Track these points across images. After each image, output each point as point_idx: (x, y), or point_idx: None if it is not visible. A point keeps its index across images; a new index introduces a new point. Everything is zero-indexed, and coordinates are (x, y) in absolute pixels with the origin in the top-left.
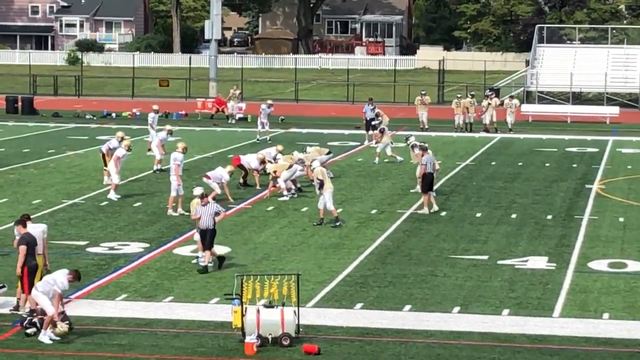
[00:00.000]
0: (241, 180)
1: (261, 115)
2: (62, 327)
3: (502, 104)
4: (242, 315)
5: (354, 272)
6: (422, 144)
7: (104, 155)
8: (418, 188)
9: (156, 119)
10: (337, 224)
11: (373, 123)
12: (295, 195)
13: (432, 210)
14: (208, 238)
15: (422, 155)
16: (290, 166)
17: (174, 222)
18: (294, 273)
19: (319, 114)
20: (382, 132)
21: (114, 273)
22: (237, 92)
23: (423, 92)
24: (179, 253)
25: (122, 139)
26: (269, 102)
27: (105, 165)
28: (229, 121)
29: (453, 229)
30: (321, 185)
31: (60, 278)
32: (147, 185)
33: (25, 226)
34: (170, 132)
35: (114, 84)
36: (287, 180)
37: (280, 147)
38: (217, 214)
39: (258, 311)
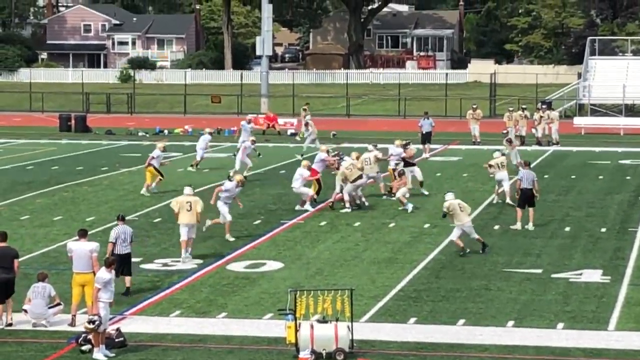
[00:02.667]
0: (315, 196)
1: (242, 133)
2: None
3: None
4: (296, 331)
5: (407, 286)
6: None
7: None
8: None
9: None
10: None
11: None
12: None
13: (526, 227)
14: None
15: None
16: (359, 177)
17: (226, 238)
18: (347, 288)
19: (370, 128)
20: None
21: (167, 289)
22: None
23: (474, 106)
24: (232, 269)
25: (164, 149)
26: (249, 117)
27: (162, 175)
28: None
29: (507, 243)
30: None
31: (98, 274)
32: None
33: None
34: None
35: (166, 101)
36: (352, 193)
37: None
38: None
39: (312, 326)
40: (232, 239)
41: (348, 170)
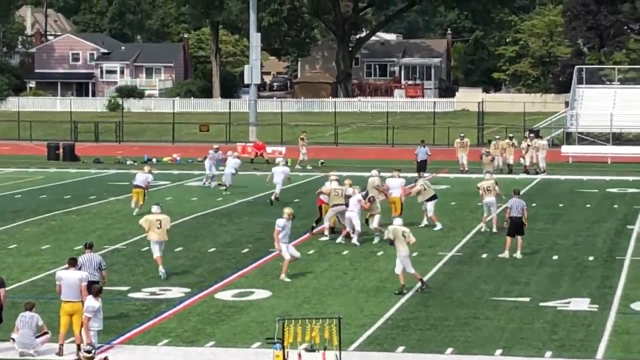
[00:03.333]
0: (314, 224)
1: (211, 160)
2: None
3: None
4: None
5: (396, 315)
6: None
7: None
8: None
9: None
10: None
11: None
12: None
13: (514, 255)
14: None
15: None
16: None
17: (215, 266)
18: (335, 317)
19: (358, 157)
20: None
21: (155, 318)
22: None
23: (462, 135)
24: (220, 297)
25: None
26: (215, 146)
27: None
28: (303, 167)
29: (494, 271)
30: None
31: (87, 303)
32: (187, 230)
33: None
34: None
35: (154, 129)
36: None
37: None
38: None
39: (299, 355)
40: (287, 280)
41: (331, 193)
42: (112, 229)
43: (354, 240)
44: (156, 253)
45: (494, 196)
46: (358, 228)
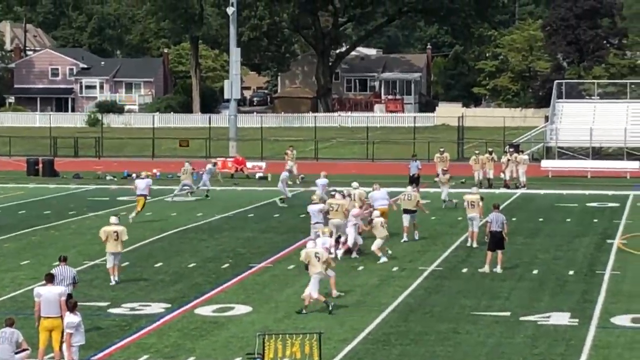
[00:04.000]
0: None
1: (208, 175)
2: None
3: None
4: None
5: (376, 330)
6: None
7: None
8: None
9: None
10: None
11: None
12: None
13: (494, 270)
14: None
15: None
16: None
17: (195, 282)
18: (315, 332)
19: (339, 172)
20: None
21: (135, 334)
22: (294, 152)
23: (442, 149)
24: (200, 313)
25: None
26: (213, 160)
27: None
28: (296, 181)
29: (475, 286)
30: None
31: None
32: (168, 245)
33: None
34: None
35: (134, 144)
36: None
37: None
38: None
39: None
40: (336, 294)
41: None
42: (91, 244)
43: (353, 254)
44: (110, 264)
45: (477, 211)
46: (348, 241)
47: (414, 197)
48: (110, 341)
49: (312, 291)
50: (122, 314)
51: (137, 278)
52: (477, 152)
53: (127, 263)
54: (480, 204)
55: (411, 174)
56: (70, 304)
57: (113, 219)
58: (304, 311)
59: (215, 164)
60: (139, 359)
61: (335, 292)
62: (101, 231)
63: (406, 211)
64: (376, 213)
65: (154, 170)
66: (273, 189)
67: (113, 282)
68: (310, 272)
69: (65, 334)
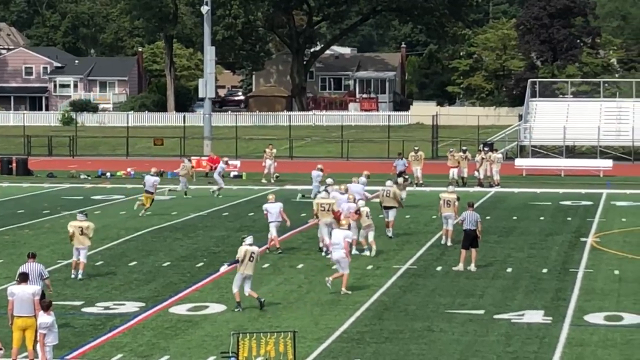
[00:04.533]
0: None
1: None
2: None
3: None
4: None
5: (351, 328)
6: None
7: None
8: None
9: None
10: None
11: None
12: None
13: (468, 268)
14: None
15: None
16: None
17: (169, 280)
18: (290, 330)
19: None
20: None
21: (109, 333)
22: (274, 150)
23: (416, 148)
24: (174, 312)
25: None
26: (225, 159)
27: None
28: (268, 181)
29: (449, 284)
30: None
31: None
32: (142, 244)
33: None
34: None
35: (108, 143)
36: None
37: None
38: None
39: None
40: (347, 292)
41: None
42: (65, 243)
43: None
44: (74, 257)
45: (452, 210)
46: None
47: (392, 193)
48: (84, 340)
49: (234, 287)
50: (96, 313)
51: (112, 277)
52: (451, 150)
53: (101, 262)
54: (457, 203)
55: (398, 172)
56: (45, 304)
57: (80, 216)
58: (238, 308)
59: (227, 162)
60: (113, 358)
61: (343, 290)
62: (69, 225)
63: (386, 207)
64: (362, 202)
65: (128, 169)
66: (248, 188)
67: (73, 276)
68: (239, 270)
69: (38, 334)
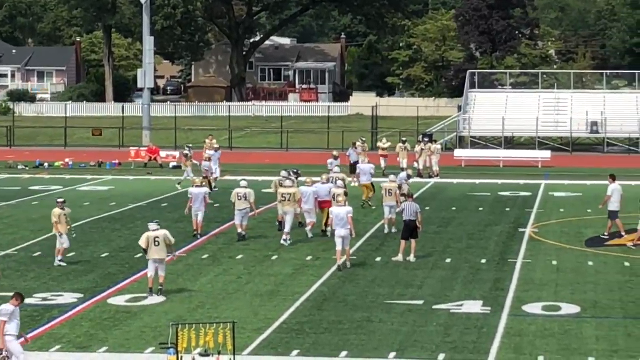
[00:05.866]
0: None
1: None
2: None
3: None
4: None
5: (290, 319)
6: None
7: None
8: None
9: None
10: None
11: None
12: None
13: (408, 259)
14: None
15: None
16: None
17: (108, 271)
18: (229, 321)
19: (253, 161)
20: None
21: (47, 324)
22: (214, 141)
23: (363, 139)
24: (113, 303)
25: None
26: (216, 146)
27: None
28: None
29: (388, 274)
30: None
31: (2, 307)
32: (80, 235)
33: None
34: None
35: (46, 134)
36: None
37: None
38: None
39: None
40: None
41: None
42: (3, 234)
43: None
44: (58, 245)
45: (394, 199)
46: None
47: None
48: (22, 332)
49: (148, 272)
50: (34, 304)
51: (50, 268)
52: (383, 139)
53: (39, 253)
54: (398, 192)
55: (352, 162)
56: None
57: (60, 200)
58: (151, 294)
59: (218, 149)
60: (51, 349)
61: (348, 264)
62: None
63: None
64: (340, 183)
65: (67, 160)
66: (187, 178)
67: (56, 263)
68: (148, 256)
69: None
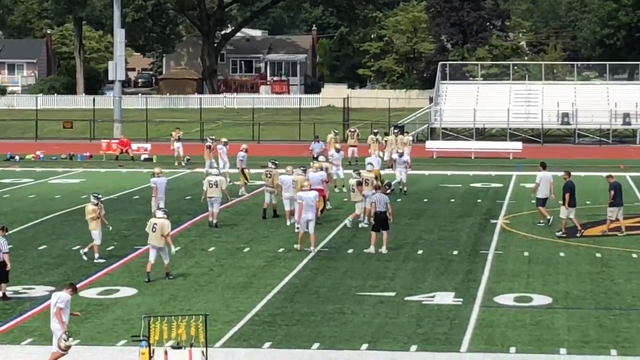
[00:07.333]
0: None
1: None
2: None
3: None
4: (150, 357)
5: (262, 311)
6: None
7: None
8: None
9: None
10: None
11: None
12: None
13: (380, 250)
14: None
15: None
16: None
17: (79, 264)
18: (201, 313)
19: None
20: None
21: (19, 317)
22: (180, 133)
23: (336, 131)
24: (85, 295)
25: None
26: (224, 140)
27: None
28: (179, 164)
29: (360, 266)
30: None
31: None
32: (52, 228)
33: None
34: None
35: (17, 126)
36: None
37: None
38: None
39: (166, 352)
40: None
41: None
42: None
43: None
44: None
45: (370, 189)
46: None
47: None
48: None
49: (149, 257)
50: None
51: (21, 261)
52: (352, 129)
53: (10, 246)
54: (375, 182)
55: (315, 155)
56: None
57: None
58: (149, 278)
59: (226, 143)
60: (23, 342)
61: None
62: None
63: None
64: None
65: (37, 153)
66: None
67: (95, 260)
68: (148, 240)
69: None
